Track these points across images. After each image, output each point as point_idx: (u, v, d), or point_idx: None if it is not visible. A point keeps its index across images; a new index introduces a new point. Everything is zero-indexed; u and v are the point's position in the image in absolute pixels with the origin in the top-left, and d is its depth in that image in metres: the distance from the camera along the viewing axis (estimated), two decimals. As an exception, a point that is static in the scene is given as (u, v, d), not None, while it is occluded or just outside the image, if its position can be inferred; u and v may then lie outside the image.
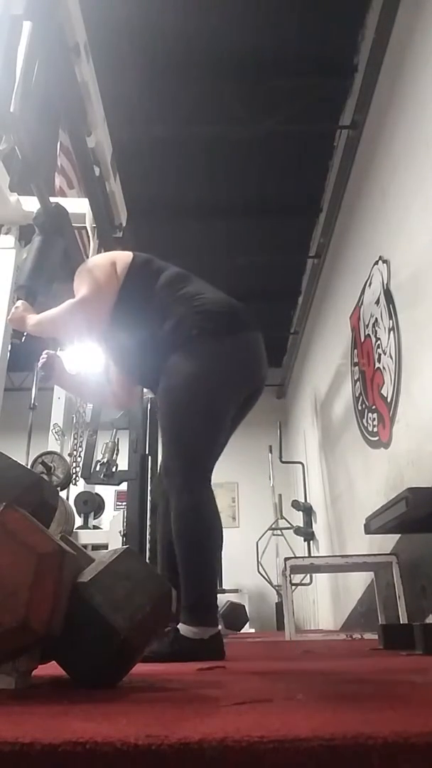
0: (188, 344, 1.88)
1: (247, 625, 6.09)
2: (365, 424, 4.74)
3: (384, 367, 4.18)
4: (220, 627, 1.86)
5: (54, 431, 5.10)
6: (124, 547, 1.02)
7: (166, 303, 1.97)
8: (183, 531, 1.82)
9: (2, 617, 0.77)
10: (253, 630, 6.64)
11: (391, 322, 4.02)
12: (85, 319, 1.98)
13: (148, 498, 4.30)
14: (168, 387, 1.91)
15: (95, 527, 5.32)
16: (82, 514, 5.20)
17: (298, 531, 7.48)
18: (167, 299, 1.98)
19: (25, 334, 2.09)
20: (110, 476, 4.72)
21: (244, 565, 7.80)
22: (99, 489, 5.42)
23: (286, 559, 3.51)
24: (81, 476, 5.05)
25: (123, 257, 2.09)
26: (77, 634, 0.88)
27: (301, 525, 7.45)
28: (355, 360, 5.10)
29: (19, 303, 2.06)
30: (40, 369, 2.27)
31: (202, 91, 4.87)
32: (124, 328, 2.03)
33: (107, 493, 5.62)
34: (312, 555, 6.88)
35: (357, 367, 5.04)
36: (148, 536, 4.20)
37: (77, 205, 3.14)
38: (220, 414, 1.91)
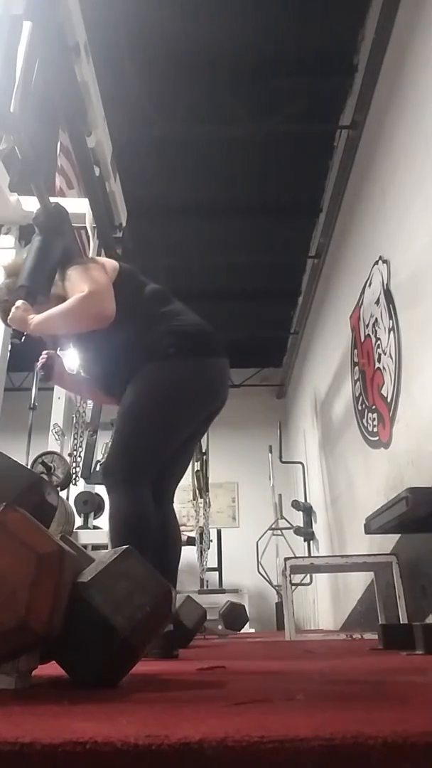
0: (164, 359, 1.97)
1: (247, 625, 6.08)
2: (365, 424, 4.74)
3: (384, 367, 4.18)
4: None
5: (54, 431, 5.08)
6: (124, 547, 1.01)
7: (149, 316, 2.04)
8: (116, 529, 1.89)
9: (2, 617, 0.77)
10: (253, 630, 6.63)
11: (391, 322, 4.02)
12: (99, 312, 1.95)
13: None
14: (133, 391, 1.99)
15: (95, 527, 5.31)
16: (82, 514, 5.19)
17: (298, 531, 7.49)
18: (151, 313, 2.05)
19: (24, 334, 2.09)
20: (110, 476, 4.72)
21: (244, 565, 7.81)
22: (99, 489, 5.42)
23: (286, 559, 3.51)
24: (81, 476, 5.05)
25: (110, 263, 2.13)
26: (77, 634, 0.88)
27: (301, 525, 7.45)
28: (355, 360, 5.10)
29: (20, 303, 2.05)
30: (40, 369, 2.27)
31: (201, 91, 4.87)
32: (101, 332, 2.00)
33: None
34: (312, 555, 6.88)
35: (357, 367, 5.04)
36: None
37: (77, 205, 3.15)
38: (175, 427, 2.04)
